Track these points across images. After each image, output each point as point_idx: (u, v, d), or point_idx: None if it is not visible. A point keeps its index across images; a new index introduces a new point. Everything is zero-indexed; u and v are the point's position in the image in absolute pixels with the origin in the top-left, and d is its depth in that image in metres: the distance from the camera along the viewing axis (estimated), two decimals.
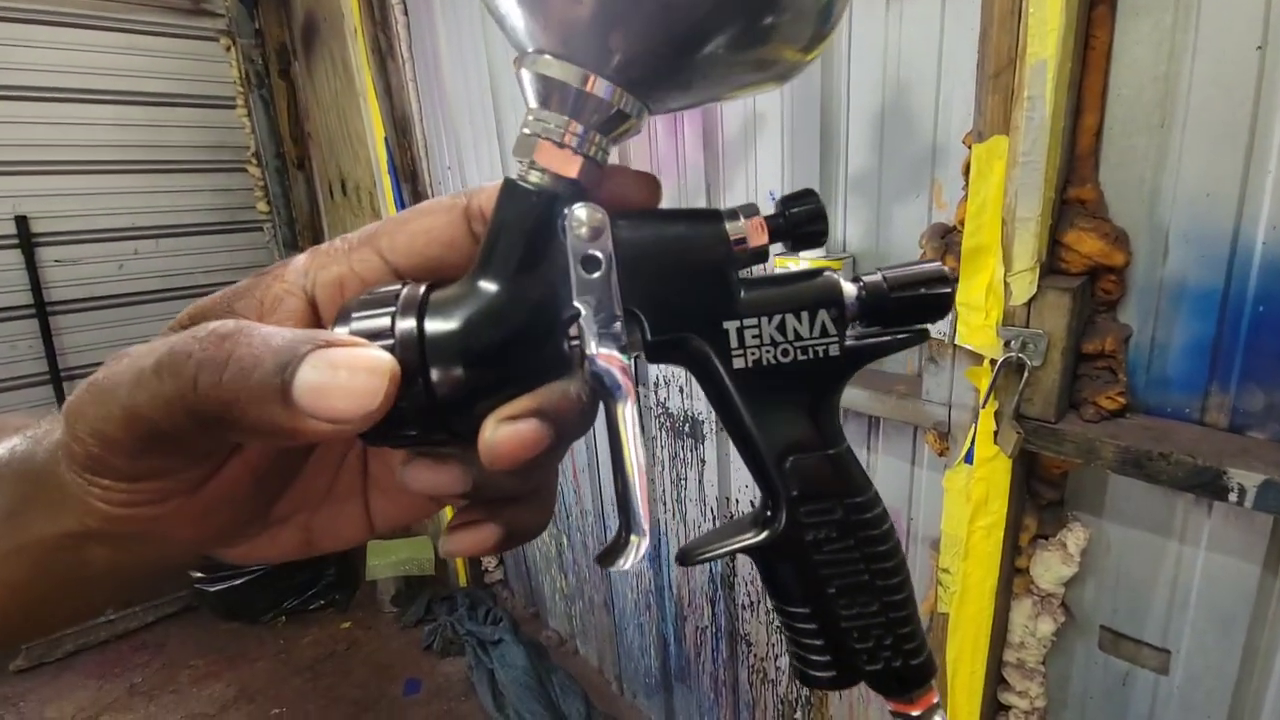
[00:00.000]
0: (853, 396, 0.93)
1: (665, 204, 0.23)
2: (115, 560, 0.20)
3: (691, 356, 0.22)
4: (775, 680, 1.33)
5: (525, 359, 0.20)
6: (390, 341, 0.18)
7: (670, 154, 1.18)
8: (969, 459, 0.79)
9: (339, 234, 0.22)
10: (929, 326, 0.23)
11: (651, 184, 0.23)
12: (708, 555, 0.23)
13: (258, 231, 2.54)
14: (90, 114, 2.17)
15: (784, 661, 1.30)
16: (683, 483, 1.39)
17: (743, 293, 0.21)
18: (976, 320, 0.73)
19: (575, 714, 1.79)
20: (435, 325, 0.19)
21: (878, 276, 0.22)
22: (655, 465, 1.45)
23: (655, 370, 1.37)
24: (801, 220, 0.22)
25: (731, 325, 0.21)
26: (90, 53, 2.13)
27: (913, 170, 0.85)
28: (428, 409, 0.19)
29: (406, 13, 1.77)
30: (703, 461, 1.32)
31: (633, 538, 0.21)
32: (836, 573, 0.22)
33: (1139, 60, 0.65)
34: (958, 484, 0.81)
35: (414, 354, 0.18)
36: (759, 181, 1.04)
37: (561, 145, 0.20)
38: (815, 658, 0.23)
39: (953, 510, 0.82)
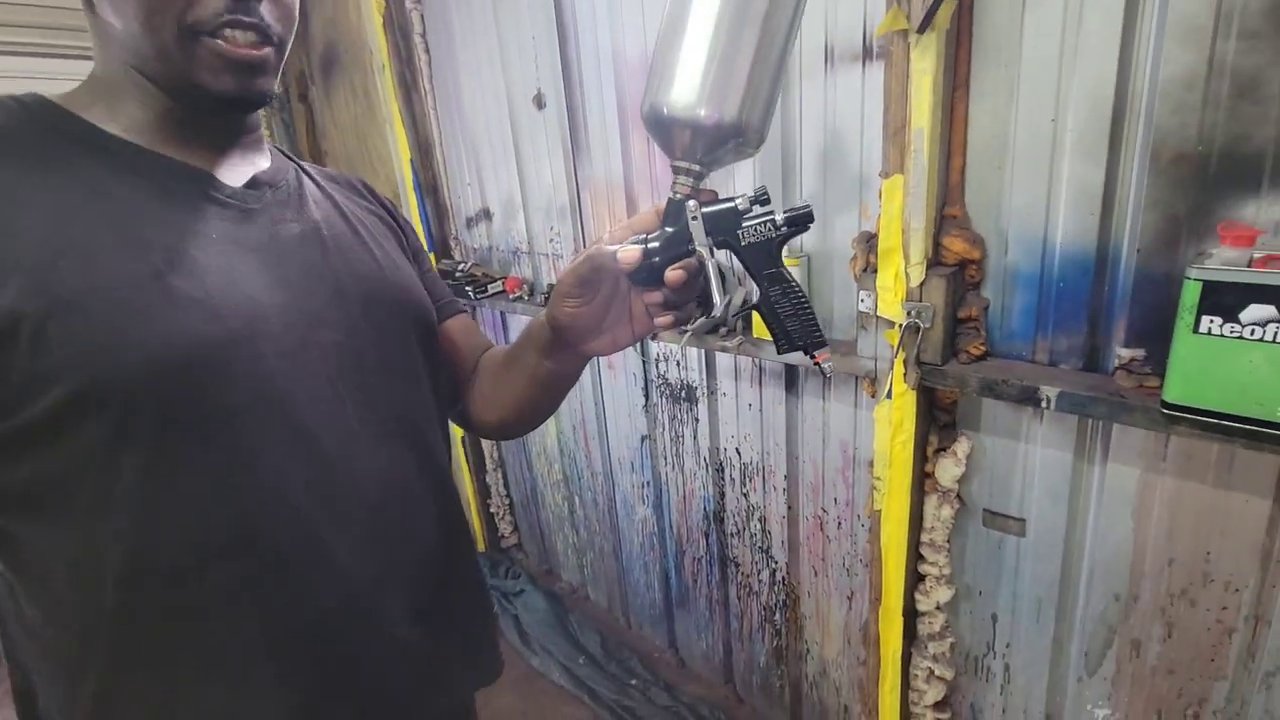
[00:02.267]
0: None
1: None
2: (554, 369, 0.60)
3: (728, 244, 0.56)
4: (758, 591, 1.68)
5: (675, 253, 0.55)
6: (641, 247, 0.55)
7: (666, 178, 1.50)
8: (889, 395, 1.13)
9: None
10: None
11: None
12: (738, 300, 0.58)
13: None
14: None
15: (765, 575, 1.64)
16: (680, 439, 1.72)
17: (742, 223, 0.55)
18: (888, 298, 1.07)
19: (593, 645, 2.11)
20: (649, 244, 0.55)
21: (785, 213, 0.55)
22: (656, 426, 1.77)
23: (655, 348, 1.69)
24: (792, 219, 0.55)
25: (741, 230, 0.55)
26: None
27: (847, 193, 1.19)
28: (651, 268, 0.55)
29: (428, 50, 2.06)
30: (696, 420, 1.65)
31: (713, 308, 0.55)
32: (784, 310, 0.56)
33: (984, 125, 1.00)
34: (883, 414, 1.15)
35: (646, 253, 0.55)
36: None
37: (676, 184, 0.55)
38: (782, 344, 0.57)
39: (880, 434, 1.17)
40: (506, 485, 2.54)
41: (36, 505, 0.50)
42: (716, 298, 0.55)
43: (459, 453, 2.52)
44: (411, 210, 2.21)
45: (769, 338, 1.28)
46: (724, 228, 0.55)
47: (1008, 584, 1.18)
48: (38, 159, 0.50)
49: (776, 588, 1.63)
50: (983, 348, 1.06)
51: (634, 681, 1.96)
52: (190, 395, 0.49)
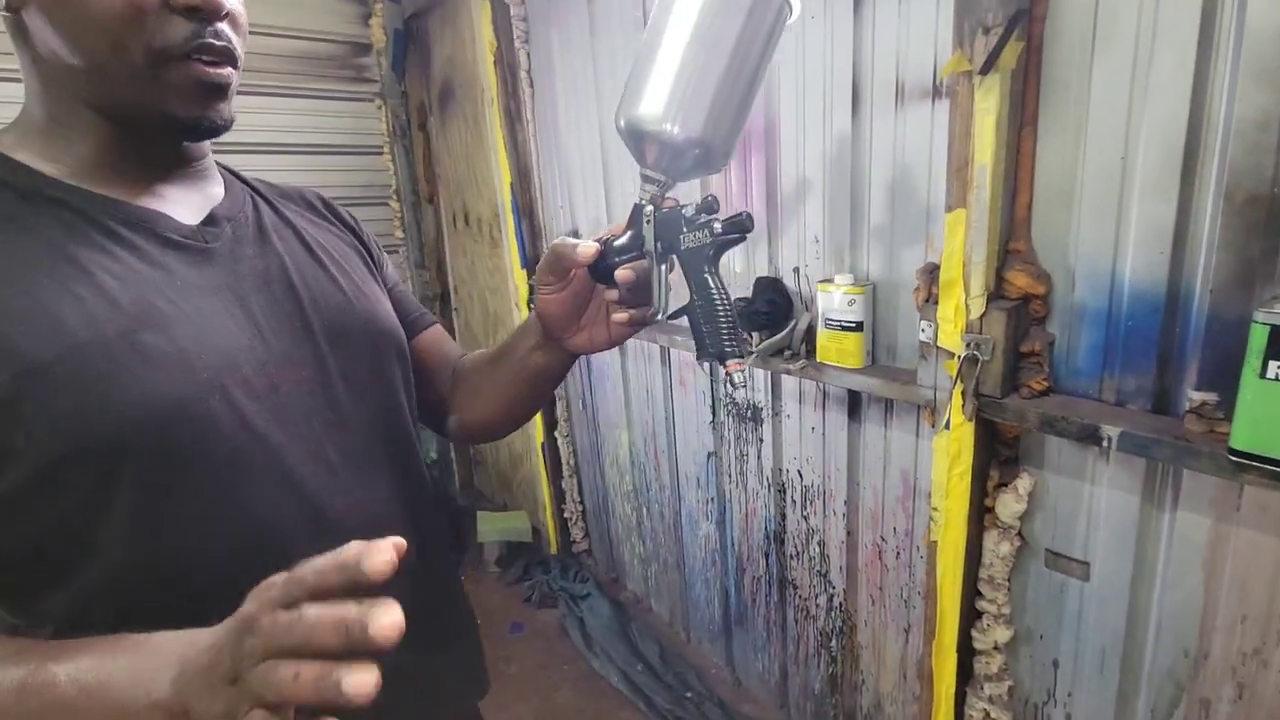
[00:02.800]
0: (873, 385, 1.29)
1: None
2: (541, 362, 0.67)
3: (671, 247, 0.61)
4: (815, 616, 1.68)
5: (630, 255, 0.63)
6: (600, 245, 0.62)
7: (741, 205, 1.57)
8: (947, 426, 1.14)
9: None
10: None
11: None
12: (673, 310, 0.63)
13: (394, 254, 3.08)
14: (276, 163, 2.75)
15: (823, 600, 1.65)
16: (744, 458, 1.77)
17: (684, 228, 0.60)
18: (948, 329, 1.09)
19: (652, 654, 2.17)
20: (612, 244, 0.63)
21: (723, 221, 0.60)
22: (723, 444, 1.83)
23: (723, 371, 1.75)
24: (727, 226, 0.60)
25: (682, 235, 0.61)
26: (279, 115, 2.72)
27: (913, 226, 1.22)
28: (608, 266, 0.62)
29: (532, 85, 2.25)
30: (761, 440, 1.69)
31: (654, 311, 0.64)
32: (703, 315, 0.60)
33: (1051, 162, 1.00)
34: (941, 445, 1.16)
35: (603, 251, 0.63)
36: (806, 228, 1.42)
37: (645, 189, 0.62)
38: (698, 349, 0.61)
39: (938, 464, 1.17)
40: (581, 492, 2.66)
41: (25, 562, 0.49)
42: (656, 299, 0.62)
43: (538, 460, 2.67)
44: (509, 229, 2.40)
45: (833, 362, 1.32)
46: (668, 232, 0.60)
47: (1070, 629, 1.14)
48: None
49: (834, 614, 1.63)
50: (1045, 383, 1.05)
51: (689, 694, 2.00)
52: (168, 451, 0.49)
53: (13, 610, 0.51)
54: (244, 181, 0.68)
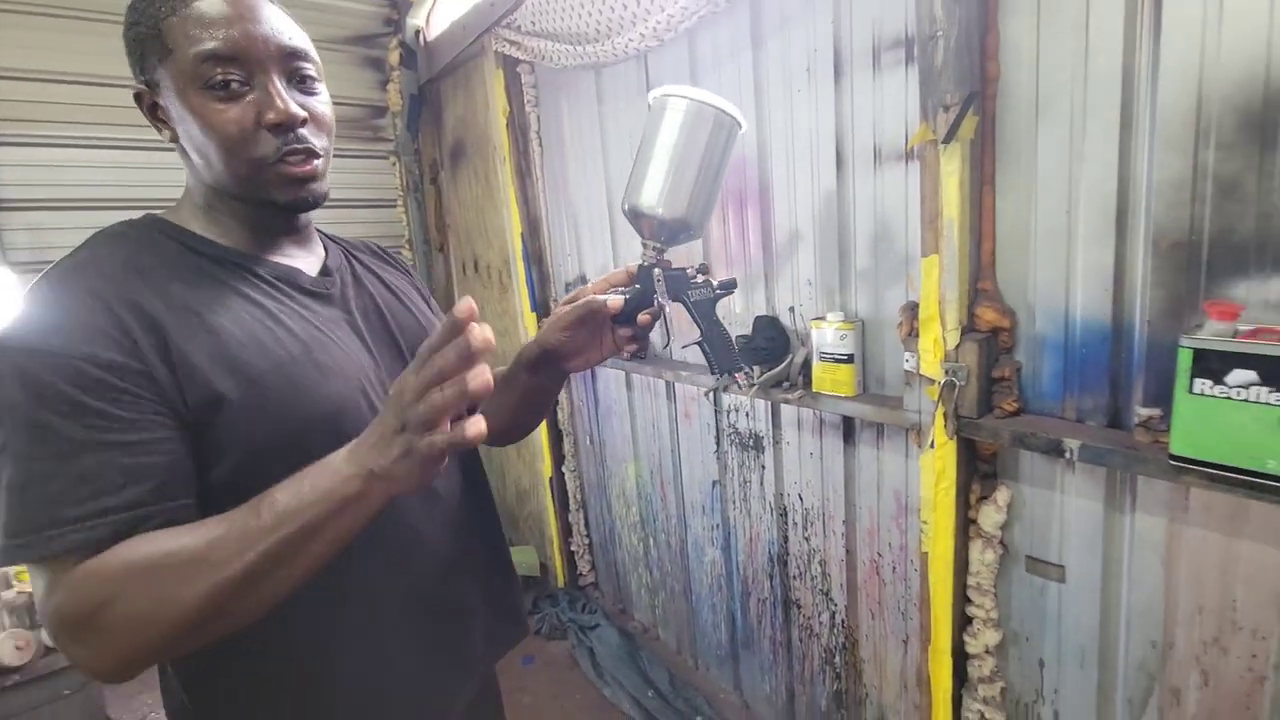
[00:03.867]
0: (865, 411, 1.43)
1: (741, 286, 0.82)
2: (540, 384, 0.84)
3: (680, 299, 0.82)
4: (819, 634, 1.78)
5: (643, 303, 0.81)
6: (623, 298, 0.81)
7: (740, 253, 1.74)
8: (932, 445, 1.27)
9: None
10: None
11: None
12: (688, 343, 0.86)
13: None
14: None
15: (826, 617, 1.74)
16: (748, 484, 1.89)
17: (689, 285, 0.81)
18: (929, 359, 1.24)
19: (662, 681, 2.24)
20: (628, 296, 0.81)
21: (718, 281, 0.83)
22: (726, 472, 1.95)
23: (727, 400, 1.89)
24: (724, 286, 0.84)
25: (690, 291, 0.81)
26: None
27: (894, 269, 1.38)
28: (628, 313, 0.80)
29: (541, 144, 2.44)
30: (763, 467, 1.82)
31: (667, 341, 0.84)
32: (716, 345, 0.81)
33: (1009, 215, 1.17)
34: (927, 463, 1.29)
35: (626, 302, 0.80)
36: (800, 272, 1.58)
37: (645, 253, 0.82)
38: (714, 368, 0.83)
39: (926, 480, 1.31)
40: (587, 525, 2.75)
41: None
42: (667, 335, 0.83)
43: (545, 495, 2.77)
44: (520, 275, 2.56)
45: (828, 391, 1.47)
46: (677, 288, 0.82)
47: (1052, 630, 1.26)
48: (187, 270, 0.66)
49: (836, 630, 1.73)
50: (1016, 404, 1.20)
51: (699, 718, 2.07)
52: (338, 436, 0.59)
53: None
54: (331, 239, 0.86)
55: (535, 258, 2.55)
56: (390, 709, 0.75)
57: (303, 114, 0.67)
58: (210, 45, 0.62)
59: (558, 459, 2.75)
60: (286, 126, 0.66)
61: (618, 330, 0.83)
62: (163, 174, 2.70)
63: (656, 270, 0.81)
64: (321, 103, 0.71)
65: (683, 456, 2.13)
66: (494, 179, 2.62)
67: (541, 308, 2.58)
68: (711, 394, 1.91)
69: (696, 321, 0.83)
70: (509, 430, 0.95)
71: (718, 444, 1.96)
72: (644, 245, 0.84)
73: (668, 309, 0.83)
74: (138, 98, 0.68)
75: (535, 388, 0.89)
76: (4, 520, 0.55)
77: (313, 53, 0.70)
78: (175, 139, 0.68)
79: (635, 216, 0.83)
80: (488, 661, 0.90)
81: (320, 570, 0.56)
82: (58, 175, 2.53)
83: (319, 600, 0.66)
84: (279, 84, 0.66)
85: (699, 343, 0.83)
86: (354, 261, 0.85)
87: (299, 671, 0.71)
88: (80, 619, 0.52)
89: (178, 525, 0.57)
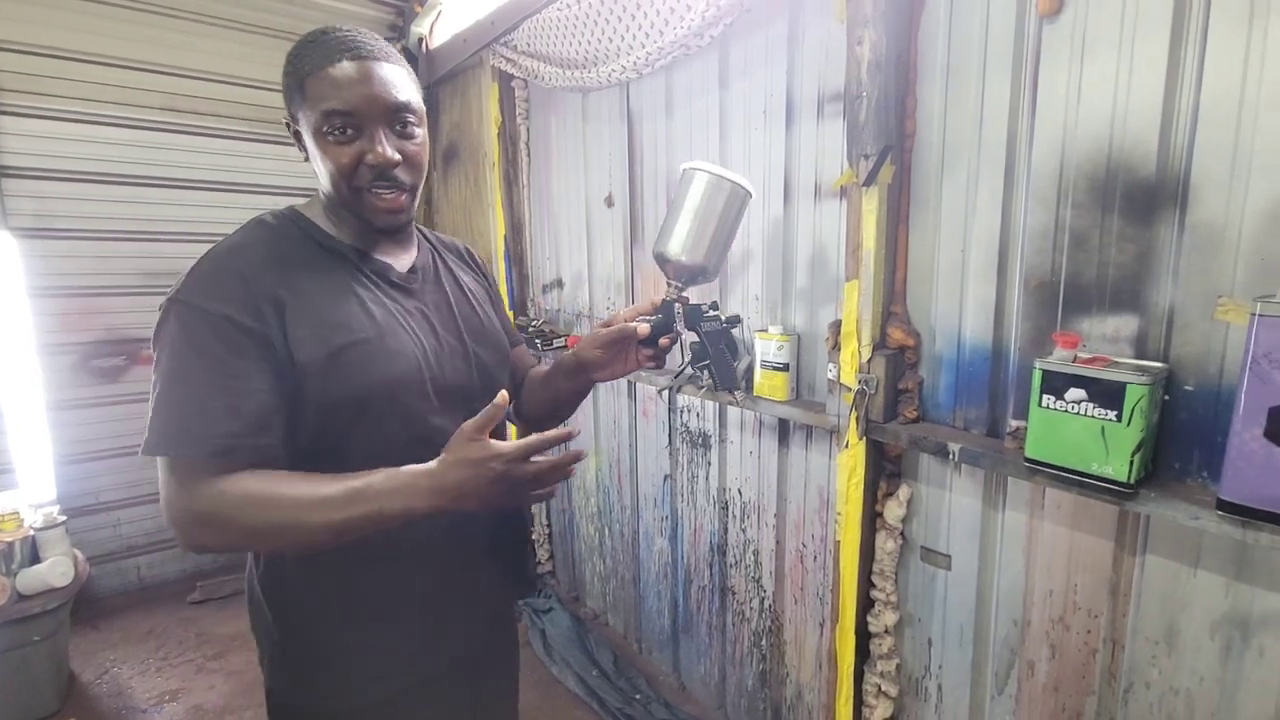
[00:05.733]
0: (796, 414, 1.62)
1: (697, 297, 1.04)
2: (574, 388, 1.05)
3: (695, 329, 1.02)
4: (749, 618, 1.95)
5: (665, 330, 1.00)
6: (650, 325, 1.00)
7: None
8: (847, 445, 1.46)
9: None
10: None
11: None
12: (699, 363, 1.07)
13: None
14: None
15: (756, 602, 1.92)
16: (695, 479, 2.06)
17: (703, 318, 1.02)
18: (847, 370, 1.43)
19: (606, 661, 2.39)
20: (654, 324, 1.01)
21: (726, 316, 1.04)
22: (677, 467, 2.13)
23: (681, 400, 2.07)
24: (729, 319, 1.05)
25: (703, 322, 1.01)
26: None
27: (828, 290, 1.58)
28: (652, 338, 0.99)
29: (529, 154, 2.62)
30: (709, 463, 2.00)
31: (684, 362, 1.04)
32: (720, 367, 1.00)
33: (918, 251, 1.37)
34: (843, 460, 1.48)
35: (652, 329, 1.00)
36: (749, 288, 1.77)
37: (668, 290, 1.01)
38: (719, 385, 1.02)
39: (840, 476, 1.49)
40: (549, 515, 2.91)
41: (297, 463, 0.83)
42: (682, 357, 1.04)
43: None
44: (500, 275, 2.72)
45: (766, 396, 1.65)
46: (693, 320, 1.03)
47: (939, 612, 1.45)
48: (308, 259, 0.86)
49: (764, 614, 1.90)
50: (916, 413, 1.39)
51: (638, 696, 2.22)
52: (393, 404, 0.83)
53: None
54: (427, 238, 1.05)
55: (516, 259, 2.72)
56: (418, 625, 0.95)
57: (397, 157, 0.84)
58: (333, 104, 0.81)
59: None
60: (382, 169, 0.84)
61: (641, 350, 1.02)
62: (162, 154, 2.83)
63: (677, 305, 1.01)
64: (416, 144, 0.88)
65: (639, 451, 2.30)
66: (483, 183, 2.79)
67: (519, 305, 2.75)
68: (666, 393, 2.09)
69: (706, 348, 1.03)
70: (544, 420, 1.16)
71: (670, 441, 2.13)
72: (668, 284, 1.05)
73: (683, 335, 1.03)
74: (287, 125, 0.89)
75: (569, 390, 1.09)
76: (150, 421, 0.77)
77: (415, 103, 0.87)
78: (307, 159, 0.88)
79: (663, 261, 1.04)
80: (491, 601, 1.06)
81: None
82: (63, 148, 2.65)
83: (375, 543, 0.82)
84: (382, 134, 0.83)
85: (707, 364, 1.03)
86: (439, 261, 1.03)
87: (352, 591, 0.91)
88: (207, 518, 0.75)
89: (264, 459, 0.78)
